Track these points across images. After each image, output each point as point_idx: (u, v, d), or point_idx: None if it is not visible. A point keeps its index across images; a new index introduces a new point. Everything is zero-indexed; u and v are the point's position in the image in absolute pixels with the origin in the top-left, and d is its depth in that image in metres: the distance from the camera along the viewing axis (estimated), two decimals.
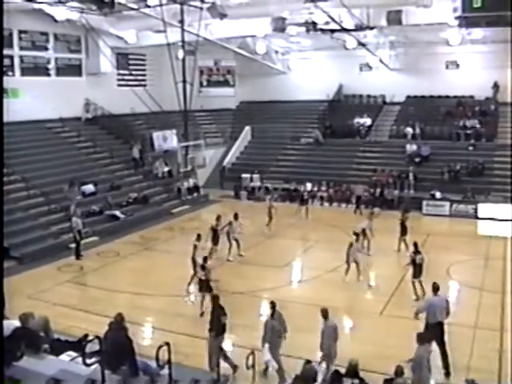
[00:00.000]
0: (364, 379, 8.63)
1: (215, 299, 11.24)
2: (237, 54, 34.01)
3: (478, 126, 30.17)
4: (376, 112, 34.19)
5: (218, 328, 10.69)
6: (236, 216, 19.16)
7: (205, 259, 14.45)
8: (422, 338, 9.56)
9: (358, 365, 8.81)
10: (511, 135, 26.81)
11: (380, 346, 11.90)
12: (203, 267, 14.16)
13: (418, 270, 14.89)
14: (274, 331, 10.63)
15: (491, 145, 29.07)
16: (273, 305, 11.04)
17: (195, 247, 16.23)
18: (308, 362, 9.08)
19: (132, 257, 19.65)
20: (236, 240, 18.86)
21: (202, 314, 13.59)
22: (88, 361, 6.95)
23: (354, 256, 16.33)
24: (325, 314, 10.47)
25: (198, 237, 16.60)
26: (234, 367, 10.69)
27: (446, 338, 10.93)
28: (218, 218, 18.75)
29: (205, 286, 14.00)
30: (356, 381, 8.51)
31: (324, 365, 9.92)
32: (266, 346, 10.33)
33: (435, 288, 11.45)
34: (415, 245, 15.31)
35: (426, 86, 32.63)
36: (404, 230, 19.01)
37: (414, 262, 14.97)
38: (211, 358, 10.50)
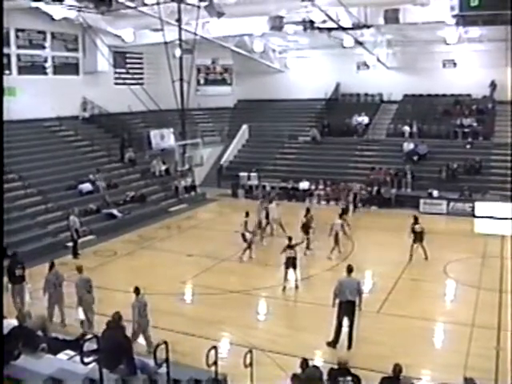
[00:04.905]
0: (358, 376, 8.64)
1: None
2: (234, 52, 34.03)
3: (475, 124, 30.20)
4: (373, 110, 34.21)
5: (14, 279, 13.39)
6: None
7: (290, 239, 15.90)
8: (136, 290, 11.54)
9: (347, 363, 8.86)
10: (510, 134, 26.86)
11: (377, 345, 11.92)
12: (290, 246, 15.64)
13: (418, 236, 17.97)
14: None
15: (488, 143, 29.12)
16: (78, 268, 13.18)
17: (246, 223, 19.26)
18: (304, 360, 9.13)
19: (129, 255, 19.63)
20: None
21: (284, 289, 15.57)
22: (86, 359, 6.92)
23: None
24: (136, 291, 11.82)
25: (247, 214, 19.56)
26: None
27: (356, 316, 11.96)
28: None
29: (291, 262, 15.55)
30: (349, 378, 8.53)
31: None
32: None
33: (348, 270, 12.32)
34: (415, 217, 18.46)
35: (423, 85, 32.65)
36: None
37: (413, 230, 18.08)
38: (15, 301, 13.24)
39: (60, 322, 12.98)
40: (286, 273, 15.57)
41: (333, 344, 11.96)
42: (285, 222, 21.67)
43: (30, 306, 13.22)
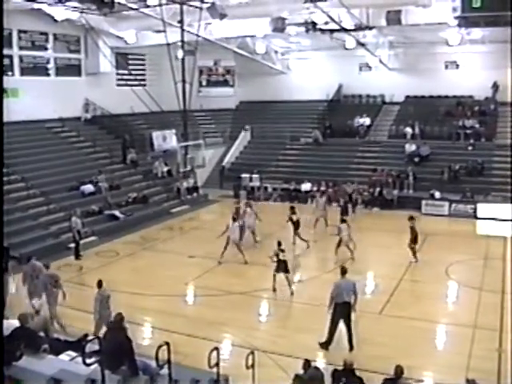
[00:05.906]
0: (362, 378, 8.65)
1: None
2: (236, 53, 34.03)
3: (477, 125, 30.18)
4: (375, 112, 34.20)
5: None
6: None
7: (279, 243, 15.64)
8: (99, 283, 11.89)
9: (353, 364, 8.87)
10: (510, 135, 26.82)
11: (379, 346, 11.91)
12: (282, 250, 15.45)
13: (417, 236, 17.66)
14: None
15: (490, 145, 29.09)
16: (44, 265, 13.47)
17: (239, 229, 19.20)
18: (307, 361, 9.14)
19: (131, 257, 19.64)
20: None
21: (274, 290, 15.37)
22: (88, 360, 6.94)
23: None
24: (99, 284, 12.32)
25: (234, 219, 18.88)
26: None
27: (352, 317, 12.02)
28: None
29: (283, 266, 15.33)
30: (353, 380, 8.55)
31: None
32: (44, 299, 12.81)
33: (342, 272, 12.37)
34: (412, 217, 18.16)
35: (425, 86, 32.64)
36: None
37: (413, 230, 17.69)
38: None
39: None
40: (275, 275, 15.31)
41: (325, 345, 11.93)
42: (284, 224, 21.70)
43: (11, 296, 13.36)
